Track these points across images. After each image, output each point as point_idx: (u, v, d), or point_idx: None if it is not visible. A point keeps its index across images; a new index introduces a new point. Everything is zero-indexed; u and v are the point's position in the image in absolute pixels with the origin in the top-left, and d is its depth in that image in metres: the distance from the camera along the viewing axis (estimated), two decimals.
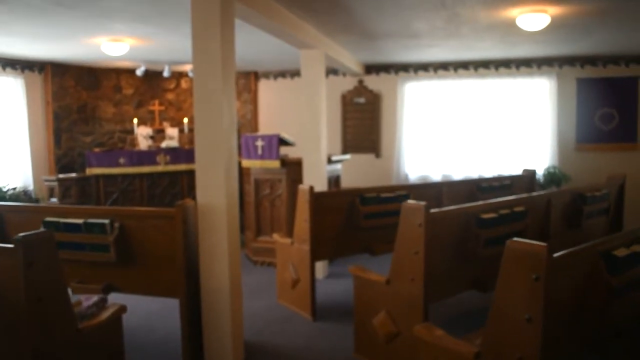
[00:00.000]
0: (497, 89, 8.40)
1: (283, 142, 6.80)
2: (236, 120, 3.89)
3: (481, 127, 8.44)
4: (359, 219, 4.95)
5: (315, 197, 4.74)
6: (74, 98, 8.61)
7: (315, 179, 6.12)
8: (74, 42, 6.55)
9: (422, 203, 3.37)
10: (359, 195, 4.98)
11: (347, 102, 9.02)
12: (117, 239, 3.90)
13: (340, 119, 9.05)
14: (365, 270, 3.94)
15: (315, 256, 4.81)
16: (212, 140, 3.68)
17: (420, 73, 8.67)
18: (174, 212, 3.73)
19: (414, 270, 3.43)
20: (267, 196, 6.83)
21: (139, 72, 8.28)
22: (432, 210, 3.42)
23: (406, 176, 8.74)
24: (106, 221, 3.93)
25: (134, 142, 8.73)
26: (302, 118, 6.24)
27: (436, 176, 8.58)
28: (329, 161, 6.53)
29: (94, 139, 8.80)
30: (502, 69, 8.37)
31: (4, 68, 7.56)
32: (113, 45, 6.39)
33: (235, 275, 3.87)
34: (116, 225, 3.93)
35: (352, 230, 5.02)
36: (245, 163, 6.87)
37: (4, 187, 7.23)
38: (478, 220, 3.71)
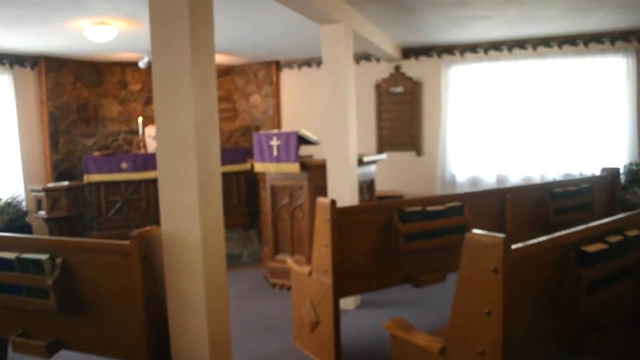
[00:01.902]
0: (562, 71, 6.99)
1: (304, 140, 5.63)
2: (217, 117, 2.71)
3: (543, 118, 7.06)
4: (397, 242, 3.73)
5: (339, 214, 3.53)
6: (73, 96, 7.64)
7: (342, 185, 4.93)
8: (55, 29, 5.52)
9: (499, 237, 2.13)
10: (398, 210, 3.76)
11: (382, 92, 7.77)
12: (59, 281, 2.79)
13: (374, 112, 7.81)
14: (408, 329, 2.71)
15: (339, 292, 3.61)
16: (177, 145, 2.53)
17: (468, 55, 7.34)
18: (129, 247, 2.60)
19: (486, 339, 2.18)
20: (286, 206, 5.66)
21: (142, 64, 7.24)
22: (515, 246, 2.18)
23: (453, 178, 7.43)
24: (44, 257, 2.83)
25: (141, 144, 7.71)
26: (324, 111, 5.05)
27: (489, 177, 7.25)
28: (360, 163, 5.32)
29: (97, 141, 7.82)
30: (566, 47, 6.96)
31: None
32: (98, 30, 5.33)
33: (220, 333, 2.71)
34: (58, 262, 2.83)
35: (389, 256, 3.81)
36: (259, 167, 5.72)
37: None
38: (580, 255, 2.44)
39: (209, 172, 2.57)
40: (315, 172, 5.41)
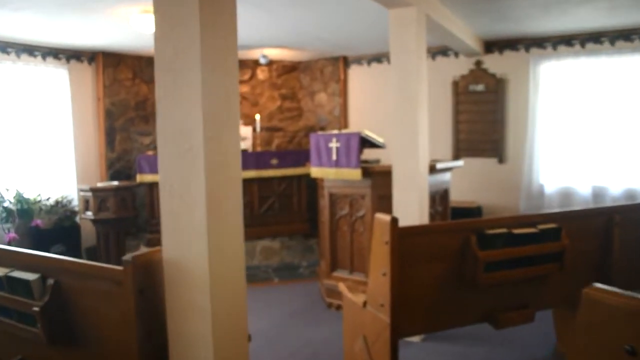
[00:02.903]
0: None
1: (368, 143, 4.94)
2: (238, 112, 2.07)
3: None
4: (475, 272, 2.97)
5: (402, 236, 2.82)
6: (132, 92, 7.34)
7: (410, 195, 4.22)
8: (97, 17, 5.14)
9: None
10: (477, 232, 3.00)
11: (461, 90, 6.94)
12: (48, 307, 2.27)
13: (450, 113, 6.98)
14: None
15: (398, 332, 2.89)
16: (180, 147, 1.92)
17: (562, 49, 6.37)
18: (122, 274, 2.03)
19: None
20: (346, 217, 5.00)
21: None
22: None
23: (541, 189, 6.49)
24: (33, 277, 2.32)
25: None
26: (391, 109, 4.34)
27: (584, 189, 6.24)
28: (432, 170, 4.57)
29: (154, 139, 7.46)
30: None
31: (44, 58, 6.40)
32: (145, 19, 4.88)
33: None
34: (49, 283, 2.31)
35: (463, 290, 3.05)
36: (316, 172, 5.09)
37: (36, 198, 6.06)
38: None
39: (223, 183, 1.95)
40: (380, 180, 4.71)
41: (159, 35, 1.93)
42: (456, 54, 6.93)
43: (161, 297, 2.06)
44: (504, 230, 3.07)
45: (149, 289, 2.04)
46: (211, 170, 1.87)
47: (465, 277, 3.02)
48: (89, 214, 5.88)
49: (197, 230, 1.89)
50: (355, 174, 4.67)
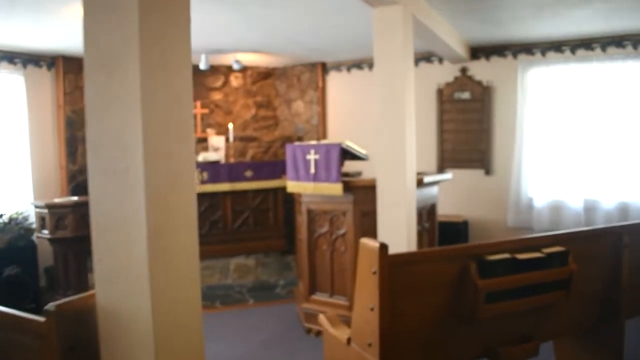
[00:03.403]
0: None
1: (349, 154, 4.56)
2: (191, 121, 1.65)
3: None
4: (475, 303, 2.58)
5: (393, 265, 2.42)
6: None
7: (397, 212, 3.85)
8: (57, 17, 4.69)
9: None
10: (477, 259, 2.61)
11: (446, 98, 6.61)
12: None
13: (435, 122, 6.64)
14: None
15: None
16: (113, 165, 1.49)
17: (551, 55, 6.09)
18: (44, 327, 1.59)
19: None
20: (325, 236, 4.60)
21: None
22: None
23: (530, 202, 6.17)
24: None
25: None
26: (375, 118, 3.97)
27: (575, 202, 5.94)
28: (420, 184, 4.20)
29: None
30: None
31: None
32: None
33: None
34: None
35: (461, 323, 2.66)
36: (292, 186, 4.68)
37: None
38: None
39: (172, 210, 1.53)
40: (363, 195, 4.33)
41: (88, 23, 1.51)
42: (440, 60, 6.60)
43: (97, 356, 1.62)
44: (506, 255, 2.69)
45: (80, 345, 1.61)
46: (154, 195, 1.45)
47: (463, 310, 2.63)
48: (45, 232, 5.37)
49: (136, 271, 1.47)
50: (336, 188, 4.27)
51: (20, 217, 5.79)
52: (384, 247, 2.39)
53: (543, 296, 2.85)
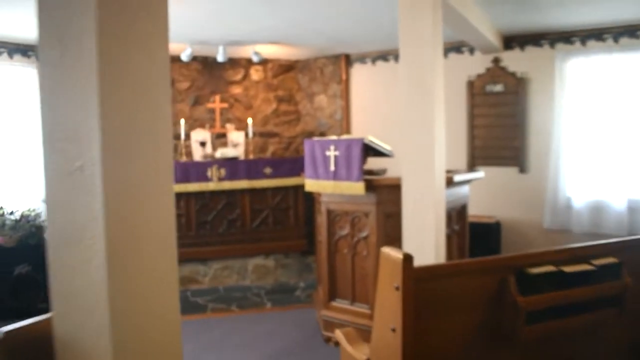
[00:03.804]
0: None
1: (373, 150, 4.23)
2: (168, 115, 1.34)
3: None
4: (515, 323, 2.23)
5: (418, 280, 2.09)
6: None
7: (424, 213, 3.51)
8: None
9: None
10: (516, 271, 2.26)
11: (477, 91, 6.21)
12: None
13: (465, 117, 6.25)
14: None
15: None
16: (67, 167, 1.20)
17: (592, 44, 5.64)
18: None
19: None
20: (346, 238, 4.27)
21: (184, 57, 6.12)
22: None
23: (568, 202, 5.74)
24: None
25: (183, 151, 6.58)
26: (401, 112, 3.63)
27: (618, 203, 5.49)
28: (450, 183, 3.85)
29: None
30: None
31: (10, 56, 5.72)
32: None
33: None
34: None
35: (498, 346, 2.31)
36: (311, 185, 4.37)
37: None
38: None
39: (141, 220, 1.22)
40: (387, 195, 4.00)
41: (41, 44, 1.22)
42: (471, 51, 6.20)
43: None
44: (551, 268, 2.33)
45: None
46: (116, 200, 1.16)
47: (500, 331, 2.28)
48: None
49: (94, 294, 1.17)
50: (357, 188, 3.94)
51: (33, 214, 5.61)
52: (408, 259, 2.05)
53: (592, 315, 2.49)
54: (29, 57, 5.89)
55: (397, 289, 2.07)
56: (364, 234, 4.14)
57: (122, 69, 1.17)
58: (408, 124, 3.56)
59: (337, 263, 4.37)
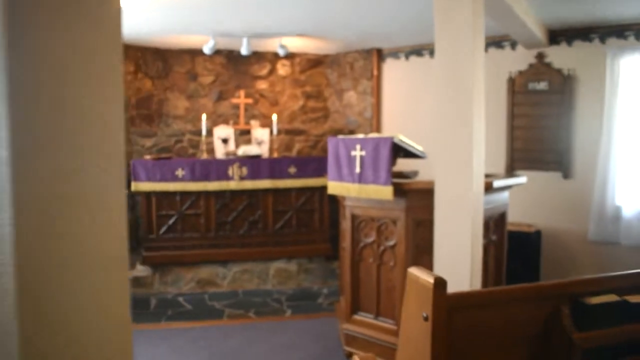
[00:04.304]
0: None
1: (403, 150, 3.86)
2: (120, 115, 1.02)
3: None
4: None
5: (451, 309, 1.73)
6: (132, 88, 6.43)
7: (459, 221, 3.13)
8: None
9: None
10: (570, 300, 1.88)
11: (518, 89, 5.75)
12: None
13: (504, 117, 5.81)
14: None
15: None
16: None
17: None
18: None
19: None
20: (372, 247, 3.92)
21: (207, 49, 5.84)
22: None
23: (617, 212, 5.24)
24: None
25: (203, 148, 6.31)
26: (436, 109, 3.26)
27: None
28: (488, 188, 3.46)
29: (157, 142, 6.54)
30: None
31: None
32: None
33: None
34: None
35: None
36: (334, 187, 4.02)
37: None
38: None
39: (71, 238, 0.90)
40: (418, 200, 3.63)
41: None
42: (513, 45, 5.75)
43: None
44: (613, 297, 1.94)
45: None
46: (33, 211, 0.83)
47: None
48: None
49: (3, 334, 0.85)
50: (385, 192, 3.58)
51: None
52: (440, 285, 1.69)
53: None
54: None
55: (426, 319, 1.71)
56: (391, 242, 3.78)
57: (41, 28, 0.85)
58: (444, 123, 3.19)
59: (361, 273, 4.01)
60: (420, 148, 3.90)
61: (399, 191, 3.63)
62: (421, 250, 3.65)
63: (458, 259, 3.23)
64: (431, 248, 3.42)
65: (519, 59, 5.73)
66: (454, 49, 3.21)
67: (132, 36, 5.92)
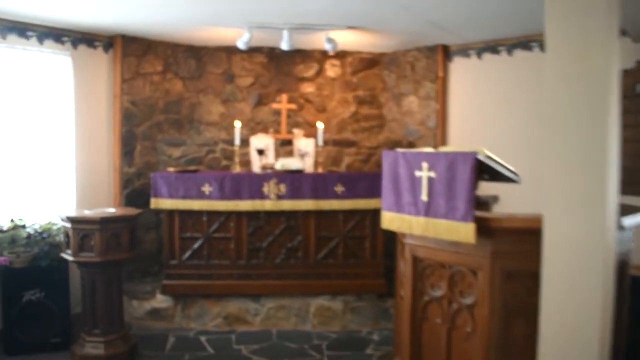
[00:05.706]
0: None
1: (488, 173, 2.80)
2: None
3: None
4: None
5: None
6: (161, 90, 5.65)
7: (584, 279, 2.11)
8: None
9: None
10: None
11: (624, 92, 4.54)
12: None
13: None
14: None
15: None
16: None
17: None
18: None
19: None
20: (441, 303, 2.85)
21: (241, 44, 4.95)
22: None
23: None
24: None
25: (241, 160, 5.40)
26: (545, 119, 2.23)
27: None
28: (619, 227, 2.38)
29: (186, 152, 5.71)
30: None
31: (40, 41, 4.80)
32: None
33: None
34: None
35: None
36: (390, 220, 2.97)
37: (13, 224, 4.48)
38: None
39: None
40: (510, 243, 2.56)
41: None
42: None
43: None
44: None
45: None
46: None
47: None
48: (69, 252, 4.15)
49: None
50: (465, 231, 2.52)
51: (54, 228, 4.64)
52: None
53: None
54: (62, 43, 4.96)
55: None
56: (468, 300, 2.71)
57: None
58: (559, 138, 2.15)
59: (424, 335, 2.96)
60: (511, 168, 2.83)
61: (483, 229, 2.57)
62: (512, 312, 2.59)
63: (581, 330, 2.18)
64: (527, 311, 2.39)
65: (623, 56, 4.55)
66: (578, 40, 2.20)
67: (159, 30, 5.13)
